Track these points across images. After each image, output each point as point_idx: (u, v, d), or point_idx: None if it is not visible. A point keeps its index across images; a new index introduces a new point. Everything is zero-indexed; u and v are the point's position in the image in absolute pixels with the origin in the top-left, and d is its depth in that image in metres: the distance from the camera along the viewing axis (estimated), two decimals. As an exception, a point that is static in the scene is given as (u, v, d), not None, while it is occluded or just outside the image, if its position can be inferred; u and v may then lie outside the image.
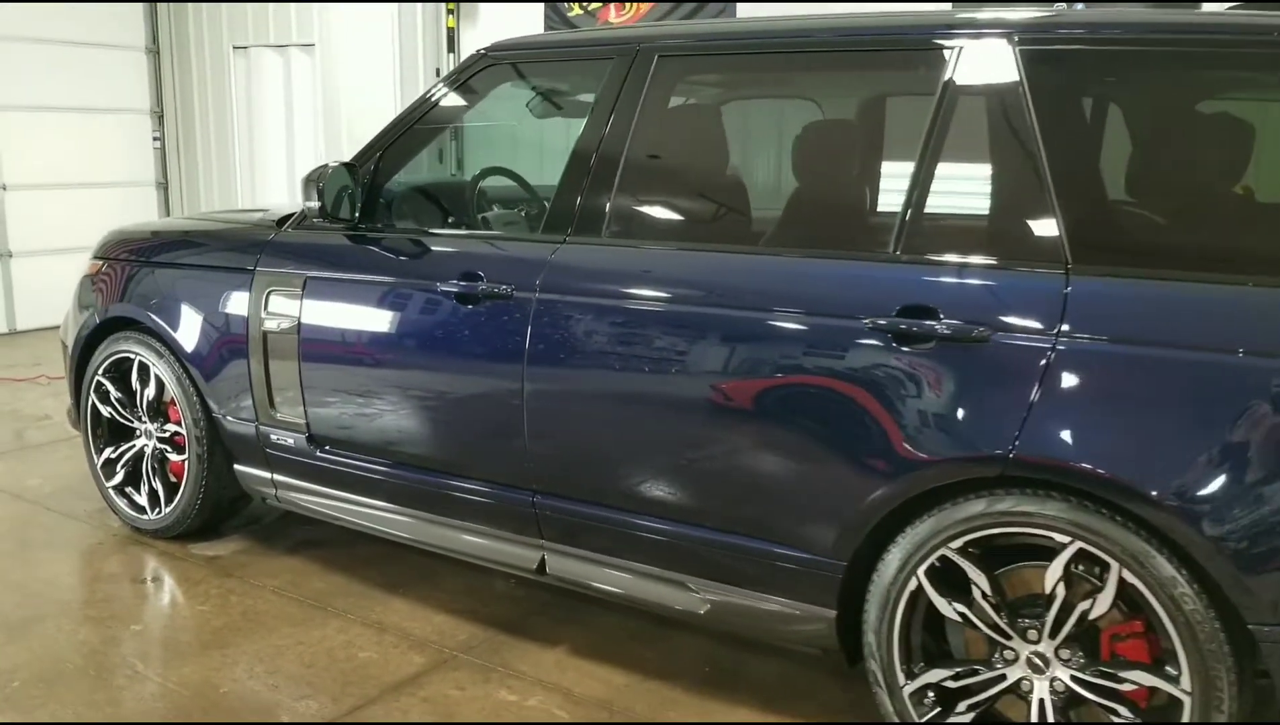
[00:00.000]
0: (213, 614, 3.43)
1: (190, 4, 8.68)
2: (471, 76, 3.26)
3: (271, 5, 8.27)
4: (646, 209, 2.96)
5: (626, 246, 2.88)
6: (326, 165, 3.30)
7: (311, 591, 3.58)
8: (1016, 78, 2.41)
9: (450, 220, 3.58)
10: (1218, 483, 2.10)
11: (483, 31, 7.83)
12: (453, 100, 3.32)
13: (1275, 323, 2.12)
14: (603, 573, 2.94)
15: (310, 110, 8.13)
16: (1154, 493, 2.14)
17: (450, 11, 7.93)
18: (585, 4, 7.40)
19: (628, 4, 7.26)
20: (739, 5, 6.76)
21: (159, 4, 8.79)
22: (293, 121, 8.35)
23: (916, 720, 2.46)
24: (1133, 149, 2.44)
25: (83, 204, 8.25)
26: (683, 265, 2.80)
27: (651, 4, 7.18)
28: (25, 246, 8.07)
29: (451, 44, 7.87)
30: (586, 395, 2.86)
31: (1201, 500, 2.11)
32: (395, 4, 7.64)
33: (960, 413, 2.35)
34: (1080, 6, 5.35)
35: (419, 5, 7.77)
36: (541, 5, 7.53)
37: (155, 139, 8.86)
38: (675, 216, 3.01)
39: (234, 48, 8.54)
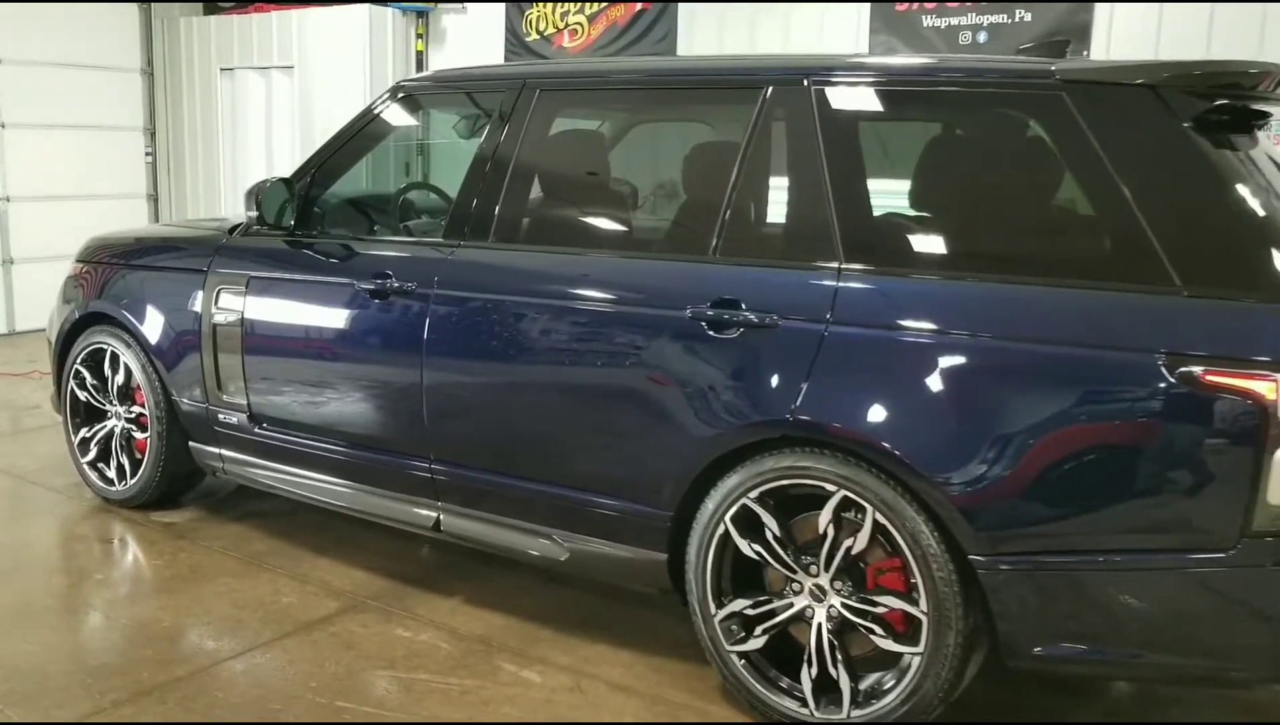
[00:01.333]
0: (164, 567, 3.96)
1: (182, 28, 9.29)
2: (389, 105, 3.80)
3: (255, 30, 8.87)
4: (525, 218, 3.48)
5: (508, 250, 3.41)
6: (266, 180, 3.84)
7: (251, 551, 4.10)
8: (810, 111, 2.93)
9: (376, 228, 4.11)
10: (944, 441, 2.61)
11: (450, 53, 8.42)
12: (374, 126, 3.86)
13: (994, 309, 2.63)
14: (485, 529, 3.45)
15: (289, 127, 8.71)
16: (896, 450, 2.64)
17: (419, 36, 8.51)
18: (541, 32, 7.98)
19: (579, 31, 7.83)
20: (679, 34, 7.33)
21: (153, 27, 9.39)
22: (272, 138, 8.94)
23: (725, 645, 2.96)
24: (897, 169, 2.96)
25: (79, 214, 8.79)
26: (549, 265, 3.33)
27: (601, 30, 7.75)
28: (26, 253, 8.64)
29: (420, 65, 8.45)
30: (471, 376, 3.38)
31: (933, 455, 2.62)
32: (368, 29, 8.22)
33: (754, 386, 2.86)
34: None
35: (390, 30, 8.36)
36: (502, 31, 8.12)
37: (147, 154, 9.45)
38: (546, 225, 3.54)
39: (221, 69, 9.14)
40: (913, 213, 2.94)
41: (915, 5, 6.46)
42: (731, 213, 3.03)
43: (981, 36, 6.28)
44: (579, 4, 7.83)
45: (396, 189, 4.21)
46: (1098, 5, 5.90)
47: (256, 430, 3.97)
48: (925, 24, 6.43)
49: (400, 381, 3.51)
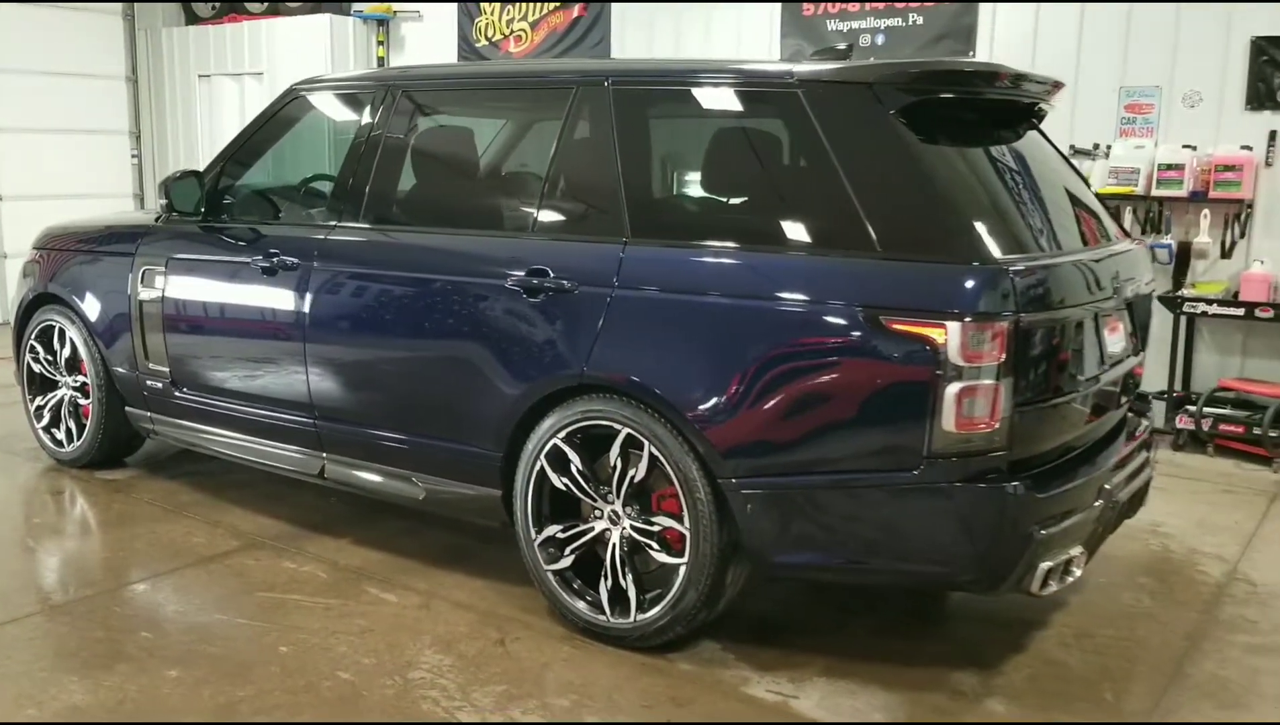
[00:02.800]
0: (97, 514, 4.52)
1: (164, 39, 9.89)
2: (284, 106, 4.33)
3: (229, 39, 9.46)
4: (387, 202, 4.00)
5: (372, 230, 3.93)
6: (177, 171, 4.38)
7: (176, 502, 4.64)
8: (608, 108, 3.43)
9: (281, 215, 4.63)
10: (698, 384, 3.11)
11: (408, 58, 8.96)
12: (272, 125, 4.39)
13: (736, 273, 3.13)
14: (360, 474, 3.97)
15: (261, 130, 9.26)
16: (662, 392, 3.14)
17: (380, 42, 9.06)
18: (490, 38, 8.50)
19: (524, 37, 8.35)
20: (612, 37, 7.82)
21: (137, 38, 10.00)
22: (246, 140, 9.49)
23: (543, 564, 3.46)
24: (671, 156, 3.45)
25: (70, 213, 9.38)
26: (404, 243, 3.86)
27: (543, 36, 8.27)
28: (18, 249, 9.24)
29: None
30: (342, 341, 3.90)
31: (689, 396, 3.11)
32: (329, 37, 8.79)
33: (558, 342, 3.36)
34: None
35: (351, 37, 8.92)
36: (455, 37, 8.65)
37: (133, 156, 10.06)
38: (404, 207, 4.06)
39: (199, 76, 9.74)
40: (687, 194, 3.44)
41: (820, 10, 6.93)
42: (546, 194, 3.53)
43: (880, 39, 6.75)
44: (523, 11, 8.35)
45: (301, 180, 4.73)
46: (981, 6, 6.35)
47: (177, 394, 4.51)
48: (830, 27, 6.90)
49: (288, 346, 4.03)
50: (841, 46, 3.65)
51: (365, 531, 4.30)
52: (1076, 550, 3.04)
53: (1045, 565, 2.93)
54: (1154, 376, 5.85)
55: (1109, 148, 5.89)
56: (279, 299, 4.06)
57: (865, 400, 2.91)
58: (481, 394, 3.56)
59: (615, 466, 3.30)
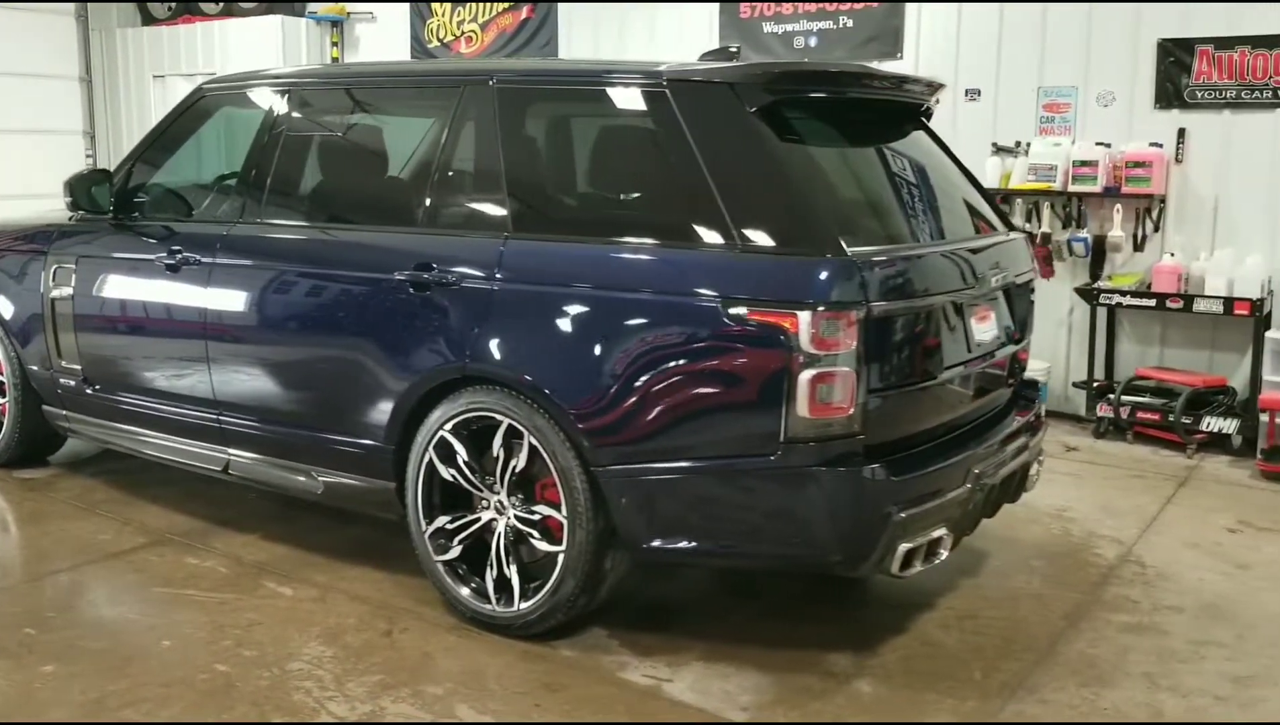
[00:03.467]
0: (8, 512, 4.54)
1: (118, 39, 9.90)
2: (192, 105, 4.37)
3: (183, 40, 9.48)
4: (284, 201, 4.04)
5: (271, 226, 3.96)
6: (84, 170, 4.41)
7: (90, 501, 4.67)
8: (492, 107, 3.47)
9: (189, 213, 4.66)
10: (571, 374, 3.16)
11: (363, 58, 8.98)
12: (182, 123, 4.43)
13: (604, 266, 3.18)
14: (262, 469, 4.00)
15: (210, 131, 9.28)
16: (537, 382, 3.19)
17: (335, 43, 9.10)
18: (441, 39, 8.54)
19: (474, 38, 8.40)
20: (560, 37, 7.87)
21: (91, 39, 10.02)
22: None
23: (433, 555, 3.50)
24: (553, 153, 3.51)
25: (26, 212, 9.41)
26: (297, 239, 3.91)
27: (493, 37, 8.31)
28: (-30, 253, 9.26)
29: (326, 73, 9.01)
30: (243, 335, 3.94)
31: (563, 386, 3.16)
32: (281, 38, 8.82)
33: (443, 335, 3.41)
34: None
35: (304, 38, 8.95)
36: (408, 38, 8.69)
37: (88, 156, 10.07)
38: (300, 205, 4.10)
39: (154, 77, 9.76)
40: (566, 190, 3.50)
41: (757, 12, 6.99)
42: (435, 191, 3.58)
43: (812, 41, 6.81)
44: (473, 12, 8.39)
45: (213, 178, 4.77)
46: (908, 7, 6.41)
47: (89, 392, 4.54)
48: (765, 29, 6.96)
49: (192, 342, 4.07)
50: (733, 49, 3.71)
51: (277, 527, 4.34)
52: (940, 532, 3.10)
53: (905, 547, 2.99)
54: (1078, 366, 5.94)
55: (1029, 145, 5.97)
56: (183, 295, 4.09)
57: (726, 388, 2.97)
58: (373, 387, 3.59)
59: (499, 457, 3.35)
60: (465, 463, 3.42)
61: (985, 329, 3.42)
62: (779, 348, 2.87)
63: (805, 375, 2.85)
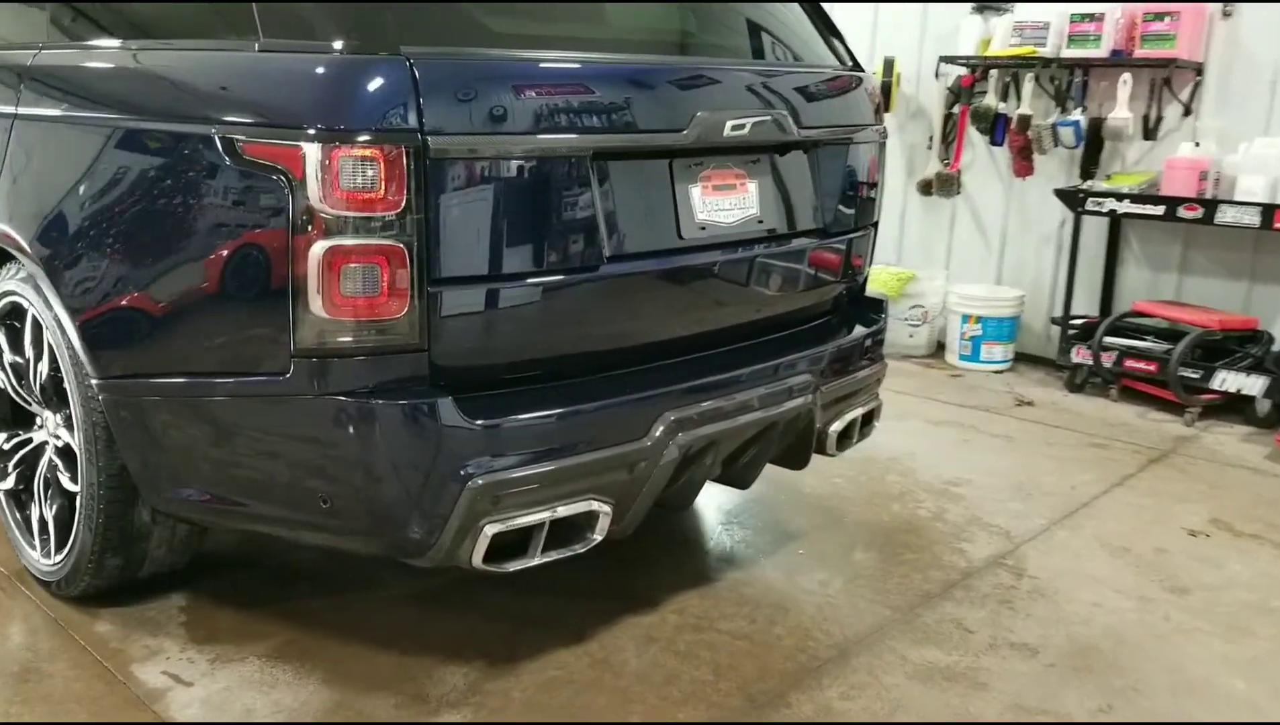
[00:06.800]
0: None
1: None
2: None
3: None
4: None
5: None
6: None
7: None
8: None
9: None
10: (68, 249, 2.18)
11: None
12: None
13: (95, 80, 2.22)
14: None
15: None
16: (36, 253, 2.23)
17: None
18: None
19: None
20: None
21: None
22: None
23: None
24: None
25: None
26: None
27: None
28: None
29: None
30: None
31: (61, 264, 2.19)
32: None
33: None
34: None
35: None
36: None
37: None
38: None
39: None
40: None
41: None
42: None
43: None
44: None
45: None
46: None
47: None
48: None
49: None
50: None
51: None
52: (582, 506, 2.03)
53: (494, 528, 1.93)
54: (1081, 300, 4.58)
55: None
56: None
57: (223, 269, 1.92)
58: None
59: (29, 357, 2.44)
60: (10, 364, 2.52)
61: (726, 205, 2.27)
62: (279, 202, 1.82)
63: (318, 249, 1.79)
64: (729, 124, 2.19)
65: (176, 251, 1.98)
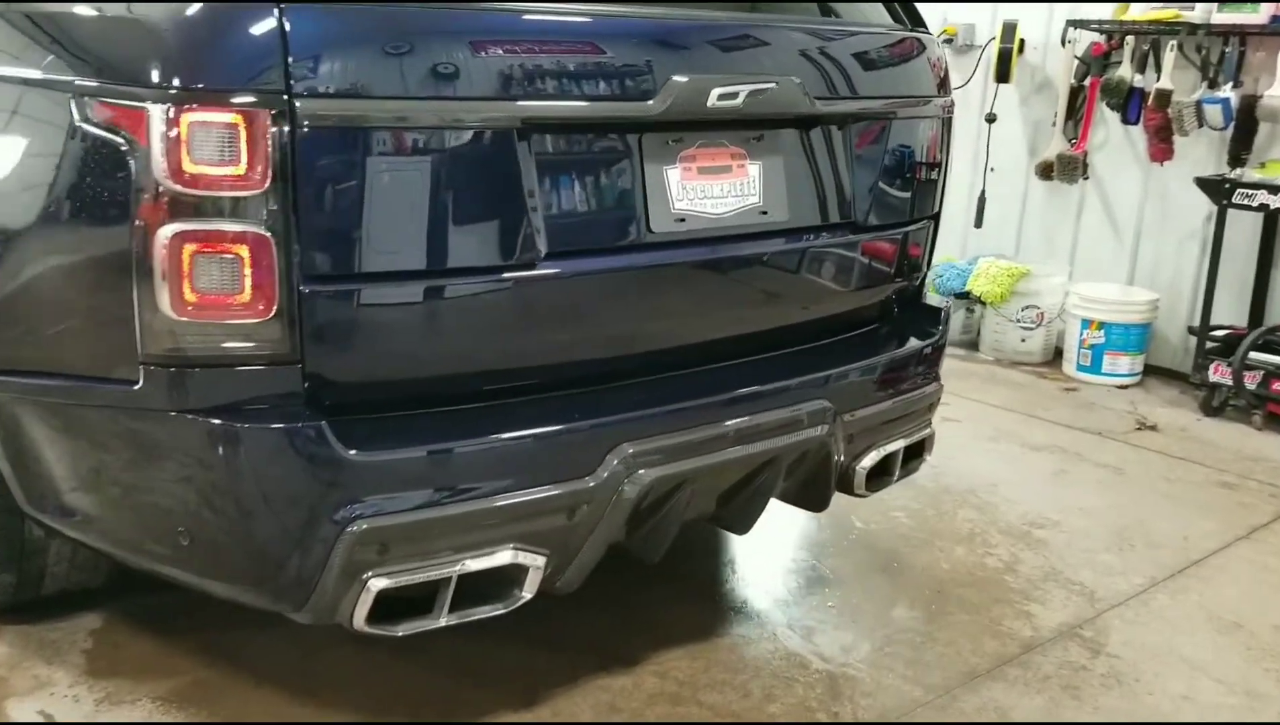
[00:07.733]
0: None
1: None
2: None
3: None
4: None
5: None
6: None
7: None
8: None
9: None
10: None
11: None
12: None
13: None
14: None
15: None
16: None
17: None
18: None
19: None
20: None
21: None
22: None
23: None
24: None
25: None
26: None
27: None
28: None
29: None
30: None
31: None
32: None
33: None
34: None
35: None
36: None
37: None
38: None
39: None
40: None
41: None
42: None
43: None
44: None
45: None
46: None
47: None
48: None
49: None
50: None
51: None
52: (503, 558, 1.65)
53: (381, 584, 1.57)
54: (1225, 308, 3.89)
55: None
56: None
57: (68, 252, 1.63)
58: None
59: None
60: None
61: (715, 191, 1.83)
62: (121, 176, 1.50)
63: (164, 234, 1.47)
64: (715, 92, 1.75)
65: (25, 232, 1.69)
